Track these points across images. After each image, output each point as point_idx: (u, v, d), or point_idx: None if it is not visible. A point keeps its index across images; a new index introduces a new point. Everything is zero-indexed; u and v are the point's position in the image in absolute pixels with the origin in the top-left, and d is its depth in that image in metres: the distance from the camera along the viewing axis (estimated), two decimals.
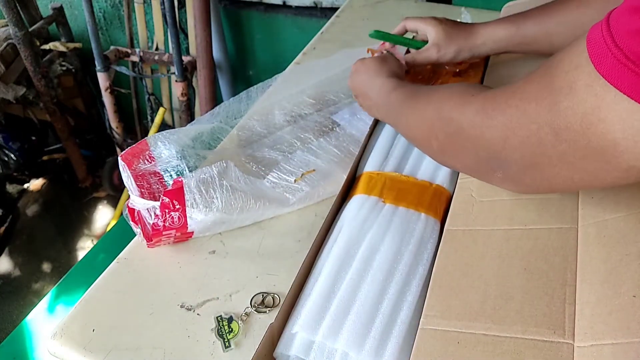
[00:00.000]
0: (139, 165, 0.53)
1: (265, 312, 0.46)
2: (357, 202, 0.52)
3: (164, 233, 0.49)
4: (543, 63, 0.33)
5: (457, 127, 0.39)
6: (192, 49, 1.49)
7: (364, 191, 0.53)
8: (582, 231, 0.39)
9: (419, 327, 0.39)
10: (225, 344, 0.44)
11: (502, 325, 0.36)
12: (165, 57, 1.50)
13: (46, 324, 0.91)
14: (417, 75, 0.72)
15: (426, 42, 0.64)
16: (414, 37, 0.67)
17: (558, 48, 0.59)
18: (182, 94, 1.48)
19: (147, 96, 1.61)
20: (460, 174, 0.53)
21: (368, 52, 0.73)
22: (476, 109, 0.37)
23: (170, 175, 0.53)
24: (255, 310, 0.46)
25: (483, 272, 0.40)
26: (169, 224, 0.49)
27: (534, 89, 0.33)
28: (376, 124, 0.65)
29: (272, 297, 0.47)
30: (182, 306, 0.47)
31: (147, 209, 0.50)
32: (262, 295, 0.47)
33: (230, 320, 0.45)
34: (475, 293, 0.39)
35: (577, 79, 0.29)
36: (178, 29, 1.40)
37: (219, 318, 0.45)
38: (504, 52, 0.62)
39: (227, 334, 0.44)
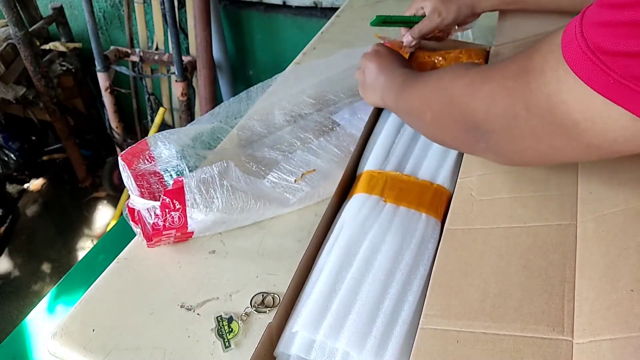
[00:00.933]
0: (139, 165, 0.53)
1: (265, 312, 0.46)
2: (358, 201, 0.52)
3: (164, 233, 0.49)
4: (530, 44, 0.36)
5: (450, 97, 0.42)
6: (192, 49, 1.49)
7: (365, 190, 0.53)
8: (581, 227, 0.40)
9: (419, 326, 0.39)
10: (225, 344, 0.44)
11: (501, 323, 0.36)
12: (165, 57, 1.50)
13: (46, 324, 0.91)
14: (420, 69, 0.72)
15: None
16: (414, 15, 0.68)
17: (545, 7, 0.60)
18: (182, 94, 1.48)
19: (147, 96, 1.61)
20: (460, 173, 0.53)
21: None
22: (467, 81, 0.40)
23: (170, 175, 0.53)
24: (255, 310, 0.46)
25: (482, 271, 0.40)
26: (169, 224, 0.49)
27: (515, 67, 0.35)
28: (374, 123, 0.65)
29: (272, 297, 0.47)
30: (182, 306, 0.47)
31: (147, 208, 0.50)
32: (262, 295, 0.48)
33: (230, 320, 0.45)
34: (475, 292, 0.39)
35: (547, 62, 0.32)
36: (178, 29, 1.40)
37: (219, 318, 0.45)
38: (500, 9, 0.66)
39: (227, 334, 0.44)
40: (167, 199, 0.47)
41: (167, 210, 0.48)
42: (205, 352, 0.43)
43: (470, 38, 0.80)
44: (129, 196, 0.52)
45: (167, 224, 0.48)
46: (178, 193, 0.47)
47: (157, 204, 0.48)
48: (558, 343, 0.33)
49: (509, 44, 0.70)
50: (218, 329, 0.45)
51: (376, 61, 0.61)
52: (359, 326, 0.41)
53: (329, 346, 0.41)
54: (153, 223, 0.49)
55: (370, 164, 0.57)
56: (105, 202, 1.80)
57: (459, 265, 0.42)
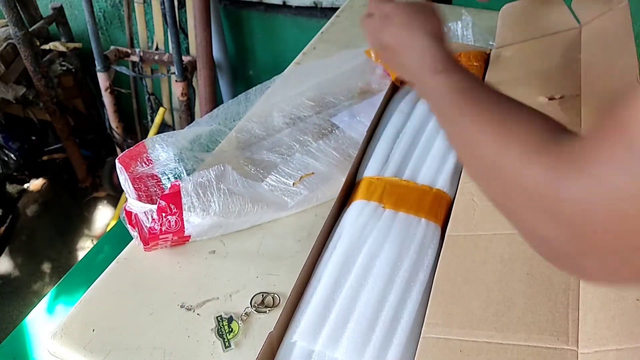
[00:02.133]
0: (137, 168, 0.53)
1: (265, 312, 0.46)
2: (357, 208, 0.52)
3: (160, 237, 0.49)
4: (609, 111, 0.25)
5: (520, 180, 0.29)
6: (192, 49, 1.49)
7: (364, 197, 0.53)
8: None
9: (421, 335, 0.39)
10: (225, 344, 0.44)
11: (505, 333, 0.35)
12: (165, 57, 1.50)
13: (46, 324, 0.91)
14: None
15: None
16: None
17: None
18: (182, 94, 1.48)
19: (147, 96, 1.61)
20: (461, 178, 0.53)
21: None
22: (547, 166, 0.28)
23: (168, 178, 0.53)
24: (255, 310, 0.46)
25: (485, 278, 0.40)
26: (166, 228, 0.48)
27: (607, 148, 0.24)
28: (375, 126, 0.65)
29: (272, 297, 0.47)
30: (182, 306, 0.47)
31: (145, 212, 0.50)
32: (262, 295, 0.48)
33: (230, 320, 0.45)
34: (478, 300, 0.38)
35: None
36: (178, 29, 1.40)
37: (219, 318, 0.46)
38: None
39: (227, 334, 0.44)
40: (164, 203, 0.47)
41: (164, 214, 0.47)
42: (205, 352, 0.43)
43: (471, 40, 0.80)
44: None
45: (163, 228, 0.48)
46: (175, 197, 0.47)
47: (155, 207, 0.48)
48: (563, 353, 0.33)
49: (510, 46, 0.70)
50: (218, 329, 0.45)
51: (388, 39, 0.44)
52: (357, 335, 0.41)
53: (328, 356, 0.41)
54: (150, 227, 0.48)
55: (369, 170, 0.57)
56: (105, 202, 1.80)
57: (461, 272, 0.41)
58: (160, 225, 0.48)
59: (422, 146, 0.59)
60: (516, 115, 0.32)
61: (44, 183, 1.88)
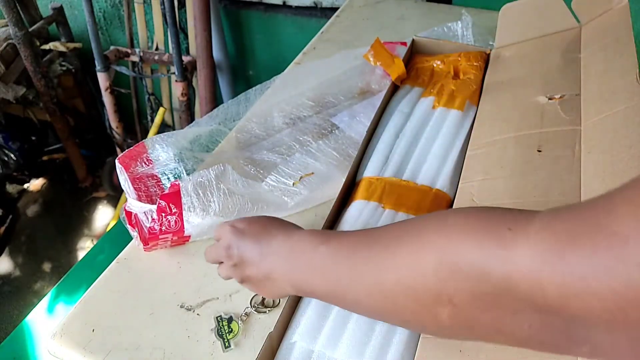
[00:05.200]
0: (137, 168, 0.53)
1: (265, 312, 0.46)
2: (357, 208, 0.52)
3: (160, 237, 0.49)
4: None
5: (498, 280, 0.25)
6: (192, 49, 1.49)
7: (364, 197, 0.53)
8: None
9: (420, 336, 0.39)
10: (225, 344, 0.44)
11: None
12: (165, 57, 1.50)
13: (46, 324, 0.91)
14: (417, 78, 0.72)
15: None
16: None
17: None
18: (182, 94, 1.48)
19: (147, 96, 1.62)
20: (461, 178, 0.53)
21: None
22: (533, 250, 0.24)
23: (168, 178, 0.53)
24: (255, 311, 0.46)
25: None
26: (166, 228, 0.49)
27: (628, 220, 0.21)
28: (375, 126, 0.65)
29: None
30: (182, 306, 0.47)
31: (145, 212, 0.50)
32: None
33: (230, 320, 0.45)
34: None
35: None
36: (178, 29, 1.40)
37: (218, 318, 0.46)
38: None
39: (227, 334, 0.44)
40: (164, 203, 0.47)
41: (163, 214, 0.48)
42: (205, 352, 0.43)
43: (471, 40, 0.80)
44: None
45: (163, 228, 0.48)
46: (174, 197, 0.47)
47: (155, 207, 0.48)
48: None
49: (510, 46, 0.70)
50: (218, 329, 0.45)
51: (246, 231, 0.41)
52: (357, 335, 0.41)
53: (327, 356, 0.41)
54: (149, 227, 0.49)
55: (368, 170, 0.57)
56: (105, 202, 1.80)
57: None
58: (160, 225, 0.48)
59: (422, 146, 0.59)
60: (443, 220, 0.30)
61: (44, 183, 1.88)
